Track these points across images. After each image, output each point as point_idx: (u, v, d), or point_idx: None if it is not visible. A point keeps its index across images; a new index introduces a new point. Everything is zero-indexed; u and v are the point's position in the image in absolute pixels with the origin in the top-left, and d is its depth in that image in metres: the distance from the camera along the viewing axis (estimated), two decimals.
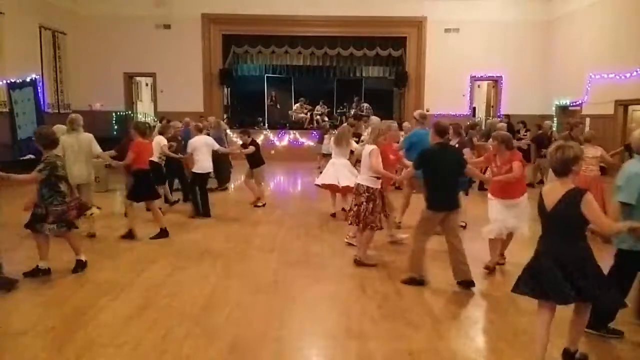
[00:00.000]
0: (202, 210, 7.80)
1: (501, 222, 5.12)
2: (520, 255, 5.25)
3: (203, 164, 7.77)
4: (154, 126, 10.68)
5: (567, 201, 3.12)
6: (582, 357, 3.45)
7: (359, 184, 5.45)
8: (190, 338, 3.74)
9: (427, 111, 16.18)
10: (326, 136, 12.21)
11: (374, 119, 8.41)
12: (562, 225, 3.18)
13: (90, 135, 6.67)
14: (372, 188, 5.29)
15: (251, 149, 8.42)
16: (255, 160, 8.61)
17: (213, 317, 4.13)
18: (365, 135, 8.26)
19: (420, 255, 4.90)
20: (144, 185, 6.51)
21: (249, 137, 8.66)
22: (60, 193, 4.90)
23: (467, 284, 4.75)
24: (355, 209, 5.38)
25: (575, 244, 3.18)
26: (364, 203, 5.28)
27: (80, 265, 5.15)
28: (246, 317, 4.14)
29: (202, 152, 7.77)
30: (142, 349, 3.56)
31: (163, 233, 6.53)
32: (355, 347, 3.64)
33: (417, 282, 4.87)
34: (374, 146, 5.26)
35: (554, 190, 3.24)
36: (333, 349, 3.66)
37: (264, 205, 8.71)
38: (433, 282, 4.94)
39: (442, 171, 4.77)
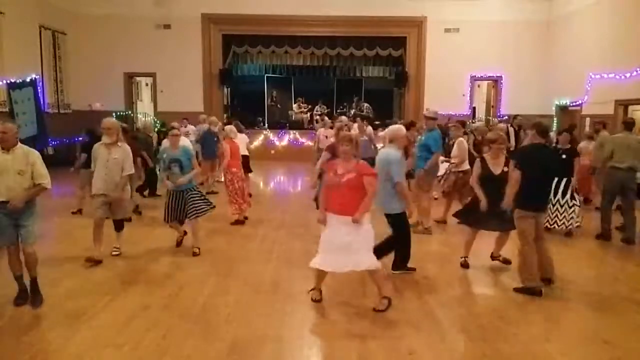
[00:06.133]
0: None
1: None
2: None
3: None
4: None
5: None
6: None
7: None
8: (190, 338, 3.74)
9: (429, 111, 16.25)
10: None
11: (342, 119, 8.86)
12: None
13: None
14: None
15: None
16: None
17: (213, 317, 4.13)
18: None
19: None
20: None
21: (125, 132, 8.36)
22: None
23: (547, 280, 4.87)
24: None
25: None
26: None
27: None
28: (246, 317, 4.14)
29: None
30: (142, 349, 3.56)
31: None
32: (355, 347, 3.64)
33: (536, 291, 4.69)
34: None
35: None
36: (333, 349, 3.66)
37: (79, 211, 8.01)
38: (433, 282, 4.94)
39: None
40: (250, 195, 8.80)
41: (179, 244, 6.20)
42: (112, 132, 5.53)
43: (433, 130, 7.08)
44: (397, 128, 5.27)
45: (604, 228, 6.90)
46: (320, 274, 4.50)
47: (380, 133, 12.11)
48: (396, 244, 5.14)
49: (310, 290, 4.55)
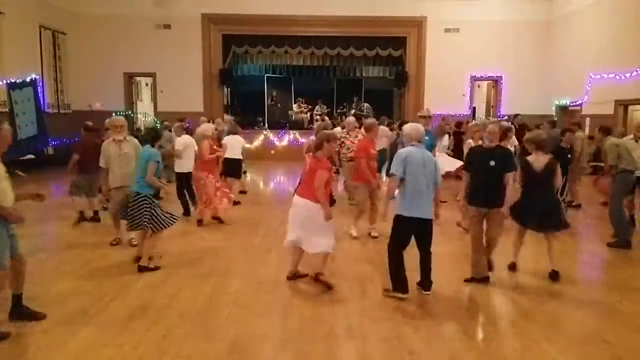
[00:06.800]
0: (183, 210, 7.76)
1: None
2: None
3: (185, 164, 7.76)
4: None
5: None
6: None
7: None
8: (190, 338, 3.74)
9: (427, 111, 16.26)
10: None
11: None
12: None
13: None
14: None
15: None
16: None
17: (213, 317, 4.13)
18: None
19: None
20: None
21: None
22: None
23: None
24: None
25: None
26: None
27: None
28: (246, 317, 4.14)
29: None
30: (142, 349, 3.56)
31: None
32: (355, 347, 3.65)
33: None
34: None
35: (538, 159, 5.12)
36: (333, 349, 3.65)
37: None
38: (433, 282, 4.94)
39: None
40: (236, 201, 8.52)
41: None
42: (123, 129, 5.96)
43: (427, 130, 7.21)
44: (418, 127, 4.94)
45: (625, 235, 6.47)
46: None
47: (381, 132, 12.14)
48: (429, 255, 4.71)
49: (321, 276, 4.86)
